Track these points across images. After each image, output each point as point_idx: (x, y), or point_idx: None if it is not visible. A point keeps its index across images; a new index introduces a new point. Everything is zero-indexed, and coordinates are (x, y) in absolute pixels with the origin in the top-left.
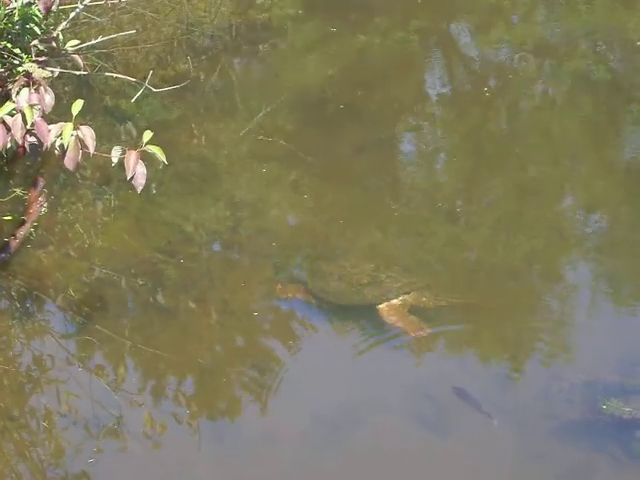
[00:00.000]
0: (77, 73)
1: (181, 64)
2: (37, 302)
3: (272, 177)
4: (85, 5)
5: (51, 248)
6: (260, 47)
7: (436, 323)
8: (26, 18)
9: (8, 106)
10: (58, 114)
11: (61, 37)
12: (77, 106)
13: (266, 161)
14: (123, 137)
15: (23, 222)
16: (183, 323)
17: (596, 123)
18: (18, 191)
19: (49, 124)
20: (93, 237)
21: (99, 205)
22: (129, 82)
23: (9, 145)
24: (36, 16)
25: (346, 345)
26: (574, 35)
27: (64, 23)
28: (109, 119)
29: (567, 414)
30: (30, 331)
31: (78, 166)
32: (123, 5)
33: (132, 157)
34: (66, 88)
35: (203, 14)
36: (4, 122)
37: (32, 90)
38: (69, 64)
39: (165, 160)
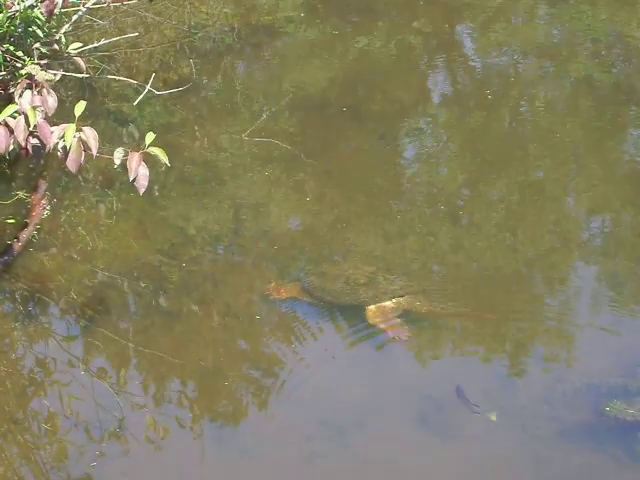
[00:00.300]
0: (79, 76)
1: (183, 67)
2: (40, 305)
3: (274, 179)
4: (87, 8)
5: (54, 251)
6: (262, 50)
7: (438, 324)
8: (28, 21)
9: (11, 108)
10: (61, 117)
11: (63, 40)
12: (80, 107)
13: (268, 163)
14: (125, 140)
15: (26, 225)
16: (185, 326)
17: (598, 126)
18: (21, 194)
19: (52, 127)
20: (96, 240)
21: (101, 208)
22: (131, 85)
23: (12, 147)
24: (38, 19)
25: (348, 346)
26: (576, 38)
27: (66, 26)
28: (111, 122)
29: (570, 416)
30: (33, 334)
31: (81, 168)
32: (125, 8)
33: (134, 159)
34: (69, 91)
35: (205, 17)
36: (7, 124)
37: (35, 92)
38: (71, 67)
39: (168, 162)
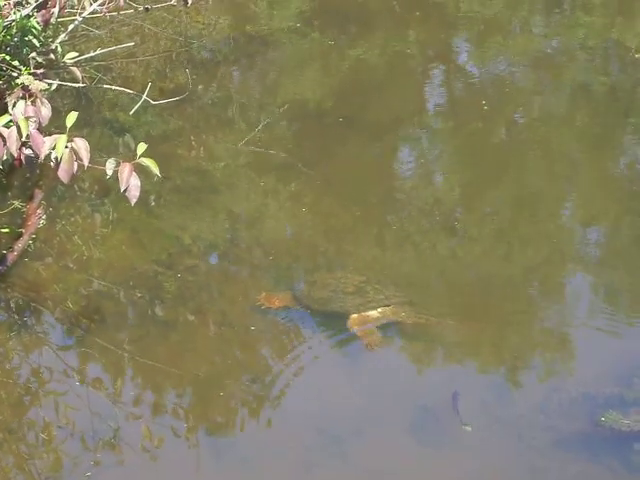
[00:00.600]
0: (76, 85)
1: (179, 76)
2: (35, 314)
3: (270, 189)
4: (84, 17)
5: (49, 260)
6: (258, 60)
7: (434, 334)
8: (25, 30)
9: (4, 118)
10: (57, 126)
11: (60, 49)
12: (71, 118)
13: (264, 173)
14: (121, 149)
15: (21, 234)
16: (181, 335)
17: (594, 135)
18: (16, 203)
19: (49, 136)
20: (91, 249)
21: (97, 217)
22: (128, 94)
23: (5, 157)
24: (35, 28)
25: (343, 355)
26: (572, 47)
27: (63, 35)
28: (107, 131)
29: (566, 426)
30: (28, 343)
31: (73, 178)
32: (122, 18)
33: (126, 170)
34: (65, 101)
35: (202, 27)
36: (0, 134)
37: (29, 102)
38: (68, 76)
39: (159, 173)
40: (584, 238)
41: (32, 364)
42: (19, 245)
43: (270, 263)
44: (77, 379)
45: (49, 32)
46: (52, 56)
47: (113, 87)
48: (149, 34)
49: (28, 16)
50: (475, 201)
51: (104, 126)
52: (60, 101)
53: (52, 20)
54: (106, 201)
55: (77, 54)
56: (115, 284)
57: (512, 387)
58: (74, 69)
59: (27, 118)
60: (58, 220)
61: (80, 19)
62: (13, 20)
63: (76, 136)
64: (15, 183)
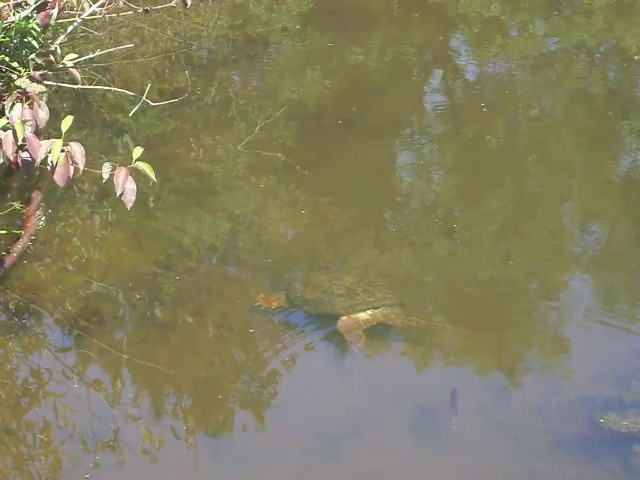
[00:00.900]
0: (75, 87)
1: (179, 78)
2: (34, 316)
3: (269, 190)
4: (83, 19)
5: (48, 262)
6: (257, 61)
7: (433, 337)
8: (24, 32)
9: (1, 121)
10: (55, 128)
11: (59, 51)
12: (67, 122)
13: (263, 175)
14: (121, 151)
15: (20, 236)
16: (181, 337)
17: (593, 137)
18: (16, 205)
19: (47, 138)
20: (90, 251)
21: (96, 219)
22: (127, 96)
23: (2, 160)
24: (34, 30)
25: (341, 356)
26: (571, 49)
27: (62, 37)
28: (107, 133)
29: (564, 428)
30: (27, 345)
31: (68, 182)
32: (121, 19)
33: (122, 174)
34: (64, 102)
35: (201, 28)
36: None
37: (26, 105)
38: (67, 78)
39: (154, 178)
40: (582, 240)
41: (31, 366)
42: (18, 247)
43: (269, 264)
44: (76, 381)
45: (48, 33)
46: (51, 57)
47: (112, 89)
48: (148, 35)
49: (27, 17)
50: (473, 203)
51: (103, 128)
52: (59, 103)
53: (51, 21)
54: (105, 203)
55: (76, 55)
56: (114, 286)
57: (510, 389)
58: (73, 71)
59: (24, 121)
60: (57, 222)
61: (79, 20)
62: (12, 21)
63: (73, 139)
64: (14, 185)
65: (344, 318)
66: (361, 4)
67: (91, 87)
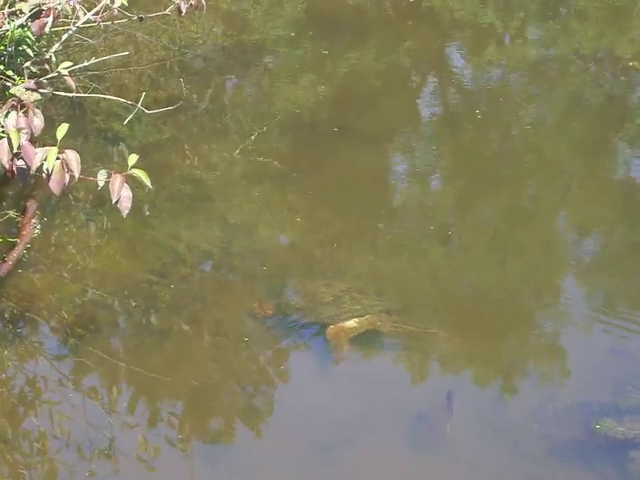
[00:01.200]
0: (70, 95)
1: (173, 86)
2: (30, 324)
3: (264, 198)
4: (78, 27)
5: (44, 270)
6: (252, 69)
7: (429, 343)
8: (19, 40)
9: None
10: (51, 136)
11: (54, 59)
12: (62, 130)
13: (258, 182)
14: (116, 159)
15: (16, 244)
16: (176, 345)
17: (588, 143)
18: (11, 213)
19: (42, 146)
20: (86, 259)
21: (92, 227)
22: (122, 104)
23: None
24: (29, 38)
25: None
26: (566, 55)
27: (57, 45)
28: (102, 141)
29: (560, 434)
30: (23, 353)
31: (64, 190)
32: (116, 27)
33: (117, 181)
34: (59, 110)
35: (195, 36)
36: None
37: (20, 113)
38: (62, 86)
39: (150, 185)
40: (577, 247)
41: (27, 374)
42: (14, 255)
43: (264, 272)
44: (72, 389)
45: (43, 42)
46: (46, 66)
47: (107, 96)
48: (143, 43)
49: (22, 26)
50: (468, 210)
51: (98, 135)
52: (54, 111)
53: (46, 30)
54: (100, 211)
55: (71, 63)
56: (110, 294)
57: (506, 395)
58: (68, 79)
59: (19, 129)
60: (52, 230)
61: (74, 29)
62: (7, 30)
63: (68, 147)
64: (9, 193)
65: (332, 326)
66: (355, 12)
67: (86, 95)
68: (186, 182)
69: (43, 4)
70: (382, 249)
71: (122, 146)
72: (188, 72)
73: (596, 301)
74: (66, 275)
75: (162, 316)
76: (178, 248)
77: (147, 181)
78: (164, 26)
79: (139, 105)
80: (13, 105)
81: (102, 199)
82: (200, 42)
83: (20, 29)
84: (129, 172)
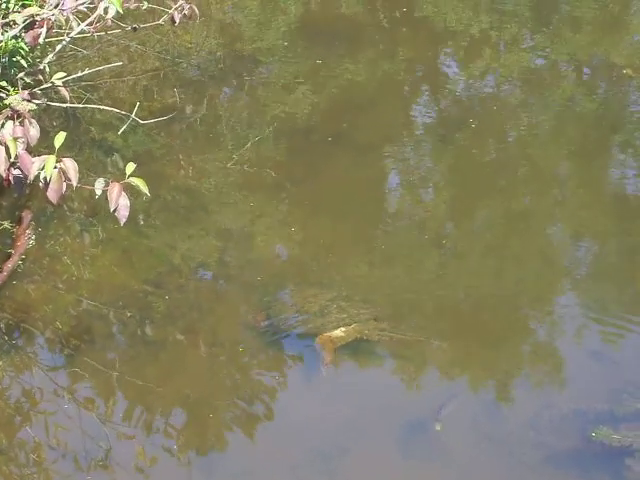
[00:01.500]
0: (64, 105)
1: (168, 96)
2: (25, 335)
3: (259, 207)
4: (71, 38)
5: (39, 281)
6: (246, 78)
7: (424, 351)
8: (13, 51)
9: None
10: (46, 146)
11: (47, 70)
12: (60, 139)
13: (253, 192)
14: (110, 169)
15: (10, 255)
16: (171, 355)
17: (582, 152)
18: (6, 224)
19: (37, 156)
20: (81, 269)
21: (87, 237)
22: (116, 114)
23: None
24: (22, 49)
25: (330, 373)
26: (559, 64)
27: (50, 56)
28: (96, 151)
29: (556, 442)
30: (18, 364)
31: (62, 199)
32: (110, 38)
33: (115, 189)
34: (53, 121)
35: (189, 46)
36: None
37: (17, 123)
38: (56, 96)
39: (148, 193)
40: (572, 255)
41: (22, 385)
42: (8, 266)
43: (259, 282)
44: (67, 399)
45: (37, 52)
46: (40, 76)
47: (101, 107)
48: (137, 53)
49: (16, 37)
50: (463, 218)
51: (93, 146)
52: (48, 121)
53: (40, 40)
54: (95, 221)
55: (65, 74)
56: (105, 304)
57: (502, 403)
58: (62, 89)
59: (15, 139)
60: (47, 240)
61: (68, 39)
62: (1, 41)
63: (65, 156)
64: (4, 204)
65: (321, 336)
66: (349, 21)
67: (80, 106)
68: (181, 192)
69: (37, 15)
70: (377, 258)
71: (116, 156)
72: (182, 82)
73: (591, 309)
74: (61, 286)
75: (157, 326)
76: (173, 258)
77: (145, 189)
78: (158, 36)
79: (133, 115)
80: (9, 115)
81: (97, 209)
82: (194, 52)
83: (14, 40)
84: (127, 180)
